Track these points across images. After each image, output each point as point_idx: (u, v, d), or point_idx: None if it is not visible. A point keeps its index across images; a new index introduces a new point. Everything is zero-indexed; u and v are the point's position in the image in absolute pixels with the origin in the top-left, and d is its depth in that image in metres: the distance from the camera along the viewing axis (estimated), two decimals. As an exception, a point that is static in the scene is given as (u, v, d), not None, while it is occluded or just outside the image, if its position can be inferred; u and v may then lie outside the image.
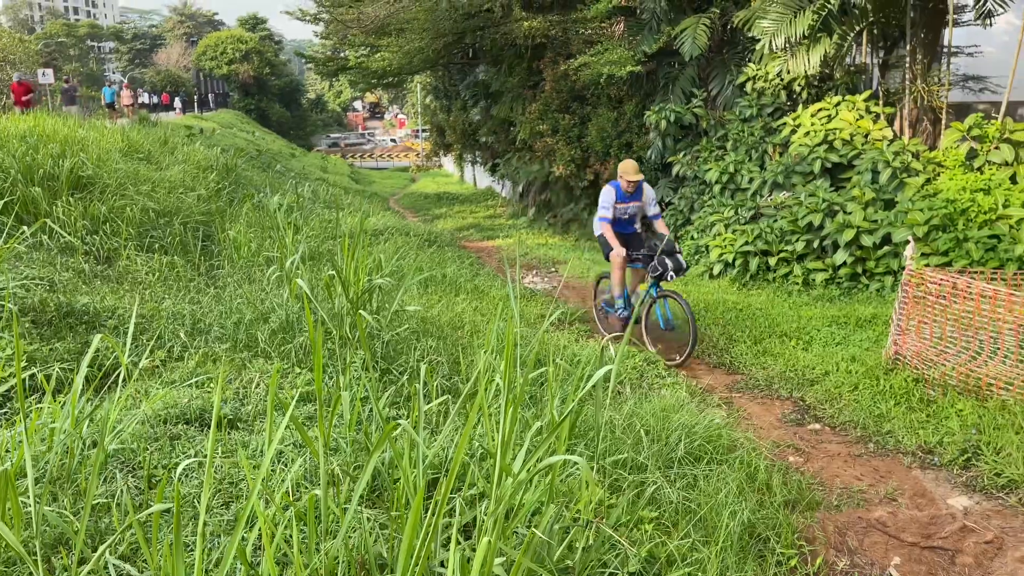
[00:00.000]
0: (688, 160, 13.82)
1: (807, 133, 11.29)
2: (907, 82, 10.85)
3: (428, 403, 3.87)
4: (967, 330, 5.91)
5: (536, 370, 4.52)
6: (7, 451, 3.13)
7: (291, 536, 2.49)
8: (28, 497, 2.61)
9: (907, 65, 10.89)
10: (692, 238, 12.88)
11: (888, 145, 10.28)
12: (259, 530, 2.35)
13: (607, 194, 7.60)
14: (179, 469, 2.73)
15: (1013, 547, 3.80)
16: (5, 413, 3.80)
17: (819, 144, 11.03)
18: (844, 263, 9.42)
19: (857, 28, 10.95)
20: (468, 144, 29.06)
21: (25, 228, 6.40)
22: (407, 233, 14.32)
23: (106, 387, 4.15)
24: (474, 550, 2.58)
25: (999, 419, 5.02)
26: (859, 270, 9.39)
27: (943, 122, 10.52)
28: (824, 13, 10.55)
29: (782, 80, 12.62)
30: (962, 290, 5.92)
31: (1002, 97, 9.89)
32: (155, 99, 49.52)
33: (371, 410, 3.93)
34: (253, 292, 6.22)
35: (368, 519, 2.88)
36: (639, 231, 8.06)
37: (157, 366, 4.62)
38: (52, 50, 73.05)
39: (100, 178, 8.56)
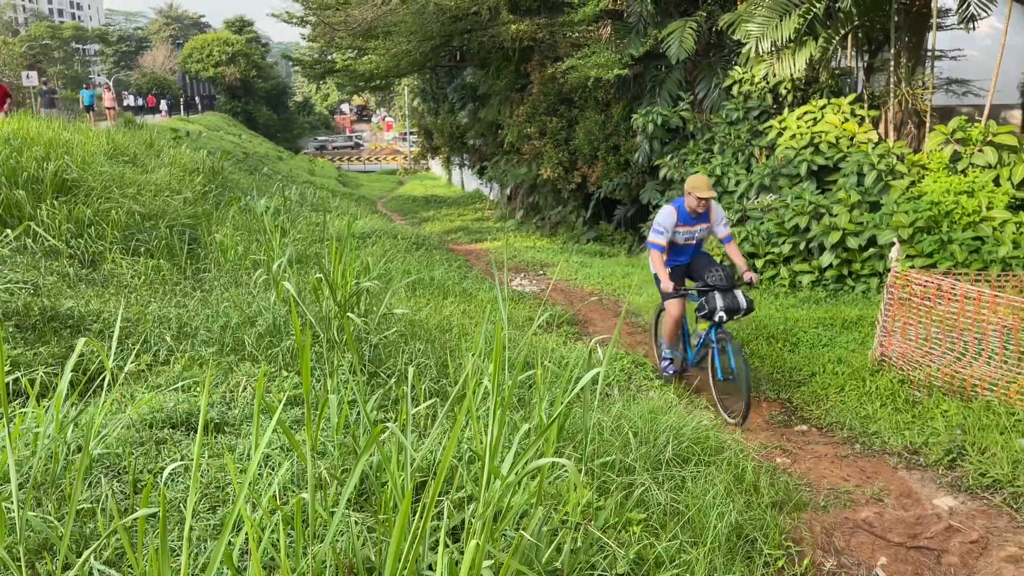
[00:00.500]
0: (675, 163, 13.87)
1: (793, 136, 11.35)
2: (892, 85, 10.93)
3: (416, 406, 3.86)
4: (952, 331, 5.96)
5: (524, 373, 4.52)
6: (-10, 456, 3.09)
7: (278, 540, 2.47)
8: (12, 502, 2.59)
9: (892, 68, 10.98)
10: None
11: (873, 148, 10.35)
12: (246, 534, 2.34)
13: (666, 216, 6.34)
14: (165, 473, 2.71)
15: (998, 547, 3.83)
16: (-12, 418, 3.76)
17: (805, 147, 11.09)
18: (830, 265, 9.47)
19: (842, 32, 11.03)
20: (456, 147, 29.07)
21: (9, 231, 6.35)
22: (395, 236, 14.29)
23: (91, 391, 4.12)
24: (462, 553, 2.58)
25: (984, 420, 5.07)
26: (845, 272, 9.45)
27: (927, 125, 10.60)
28: (810, 17, 10.63)
29: (768, 83, 12.70)
30: (947, 292, 5.97)
31: (985, 100, 9.99)
32: (141, 102, 49.23)
33: (359, 413, 3.92)
34: (240, 295, 6.19)
35: (356, 523, 2.87)
36: (704, 254, 6.82)
37: (143, 370, 4.59)
38: (36, 52, 72.55)
39: (85, 181, 8.50)
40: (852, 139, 10.81)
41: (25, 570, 2.35)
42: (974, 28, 10.22)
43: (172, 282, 6.78)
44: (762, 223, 10.59)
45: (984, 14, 9.80)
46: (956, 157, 9.43)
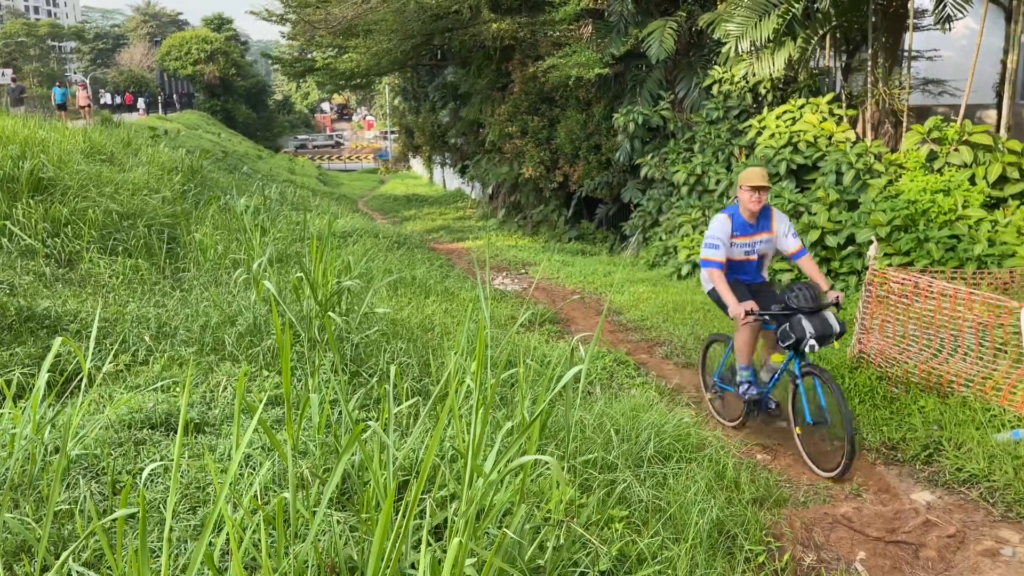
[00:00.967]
0: (656, 162, 13.93)
1: (772, 135, 11.43)
2: (869, 85, 11.04)
3: (398, 405, 3.85)
4: (929, 328, 6.03)
5: (507, 371, 4.53)
6: (-34, 458, 3.05)
7: (259, 540, 2.46)
8: (-12, 505, 2.55)
9: (869, 68, 11.08)
10: (660, 239, 13.00)
11: (851, 147, 10.45)
12: (227, 534, 2.32)
13: (719, 225, 5.25)
14: (144, 474, 2.69)
15: (975, 540, 3.88)
16: (-37, 420, 3.71)
17: (784, 146, 11.17)
18: (809, 263, 9.53)
19: (821, 32, 11.11)
20: (437, 146, 29.01)
21: (-17, 231, 6.27)
22: (376, 235, 14.25)
23: (68, 392, 4.08)
24: (445, 551, 2.58)
25: (960, 415, 5.14)
26: (824, 270, 9.53)
27: (904, 124, 10.71)
28: (788, 17, 10.71)
29: (748, 83, 12.78)
30: (924, 289, 6.04)
31: (961, 100, 10.10)
32: (118, 100, 48.67)
33: (340, 413, 3.91)
34: (220, 295, 6.14)
35: (338, 522, 2.86)
36: (766, 280, 5.66)
37: (121, 370, 4.54)
38: (12, 50, 71.54)
39: (61, 180, 8.40)
40: (830, 138, 10.90)
41: (3, 572, 2.32)
42: (950, 29, 10.34)
43: (151, 282, 6.71)
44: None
45: (960, 15, 9.91)
46: (932, 156, 9.53)
